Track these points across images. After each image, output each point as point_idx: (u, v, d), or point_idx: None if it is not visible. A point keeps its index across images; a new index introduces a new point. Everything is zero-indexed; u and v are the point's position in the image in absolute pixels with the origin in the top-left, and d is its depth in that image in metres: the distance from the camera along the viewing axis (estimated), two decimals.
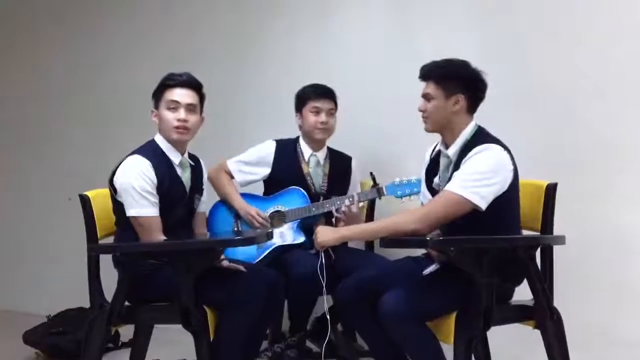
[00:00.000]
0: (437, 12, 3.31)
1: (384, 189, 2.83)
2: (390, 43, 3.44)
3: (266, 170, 3.07)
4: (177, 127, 2.52)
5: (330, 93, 3.06)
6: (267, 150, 3.08)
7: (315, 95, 3.03)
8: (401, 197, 2.80)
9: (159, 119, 2.56)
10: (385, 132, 3.39)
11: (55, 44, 4.54)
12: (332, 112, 3.05)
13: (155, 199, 2.46)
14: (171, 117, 2.52)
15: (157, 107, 2.57)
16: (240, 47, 3.90)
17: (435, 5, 3.32)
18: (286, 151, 3.08)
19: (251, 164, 3.08)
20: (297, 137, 3.12)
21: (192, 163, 2.65)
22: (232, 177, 3.09)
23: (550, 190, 2.40)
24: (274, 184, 3.05)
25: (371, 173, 2.86)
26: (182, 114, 2.52)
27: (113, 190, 2.48)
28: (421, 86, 2.41)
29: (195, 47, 4.02)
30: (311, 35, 3.69)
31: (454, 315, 2.22)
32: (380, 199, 2.88)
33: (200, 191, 2.70)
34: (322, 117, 3.02)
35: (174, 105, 2.53)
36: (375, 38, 3.50)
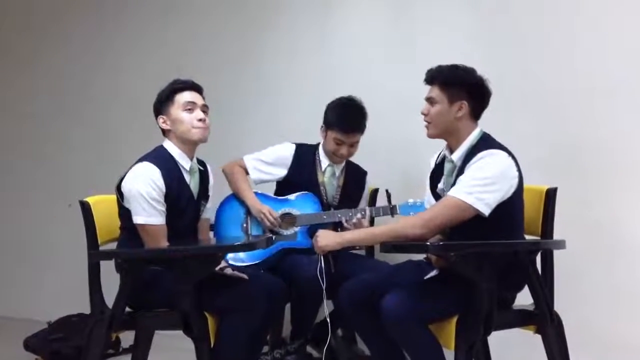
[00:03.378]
0: (438, 12, 3.31)
1: (397, 208, 2.82)
2: (391, 44, 3.45)
3: (282, 172, 3.05)
4: (198, 127, 2.53)
5: (359, 126, 2.96)
6: (286, 152, 3.07)
7: (342, 129, 2.93)
8: None
9: (172, 124, 2.54)
10: (386, 131, 3.38)
11: (56, 46, 4.55)
12: (354, 144, 3.00)
13: (162, 207, 2.46)
14: (191, 118, 2.52)
15: (166, 112, 2.55)
16: (241, 49, 3.91)
17: (437, 6, 3.32)
18: (304, 157, 3.06)
19: (269, 163, 3.06)
20: (317, 144, 3.10)
21: (200, 168, 2.65)
22: (247, 173, 3.07)
23: (550, 195, 2.40)
24: (287, 186, 3.04)
25: (387, 191, 2.85)
26: (200, 114, 2.54)
27: (120, 196, 2.48)
28: (423, 86, 2.41)
29: (196, 48, 4.03)
30: (312, 37, 3.70)
31: (454, 320, 2.22)
32: (392, 217, 2.86)
33: (206, 197, 2.70)
34: (343, 150, 2.98)
35: (191, 106, 2.53)
36: (376, 39, 3.51)
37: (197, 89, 2.59)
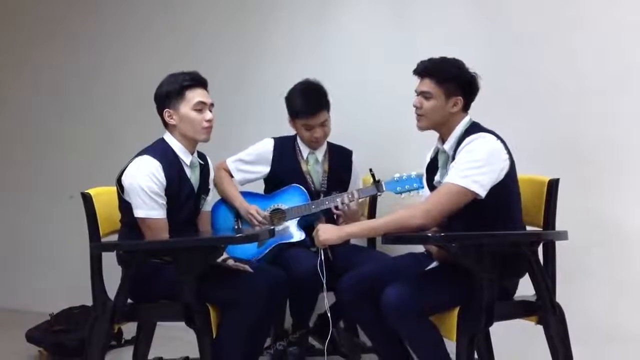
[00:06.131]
0: (436, 9, 3.30)
1: (383, 185, 2.79)
2: (389, 41, 3.44)
3: (265, 169, 3.05)
4: (206, 128, 2.52)
5: (321, 105, 2.94)
6: (265, 148, 3.06)
7: (306, 113, 2.92)
8: (400, 193, 2.76)
9: (179, 120, 2.51)
10: (385, 128, 3.38)
11: (56, 45, 4.55)
12: (325, 123, 2.98)
13: (163, 201, 2.45)
14: (200, 118, 2.50)
15: (174, 108, 2.52)
16: (241, 47, 3.91)
17: (435, 5, 3.31)
18: (285, 149, 3.05)
19: (250, 162, 3.06)
20: (295, 135, 3.09)
21: (201, 162, 2.64)
22: (232, 175, 3.07)
23: (552, 186, 2.39)
24: (274, 182, 3.04)
25: (370, 170, 2.84)
26: (209, 114, 2.53)
27: (120, 189, 2.48)
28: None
29: (196, 46, 4.02)
30: (311, 34, 3.69)
31: (456, 311, 2.22)
32: (379, 194, 2.86)
33: (207, 191, 2.69)
34: (316, 132, 2.96)
35: (201, 107, 2.51)
36: (374, 36, 3.50)
37: (205, 85, 2.57)
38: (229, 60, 3.92)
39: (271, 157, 3.04)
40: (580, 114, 2.91)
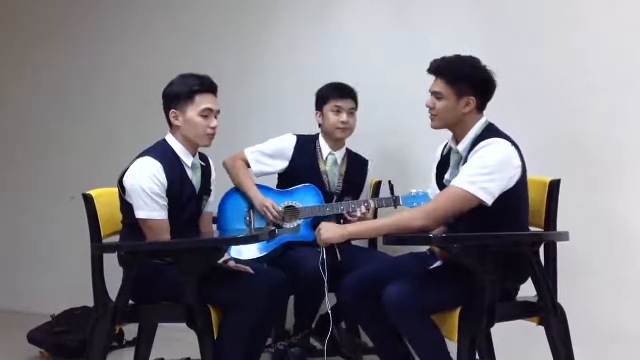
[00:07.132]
0: (437, 9, 3.30)
1: (400, 199, 2.83)
2: (390, 41, 3.45)
3: (284, 164, 3.06)
4: (210, 135, 2.53)
5: (352, 92, 3.05)
6: (287, 143, 3.08)
7: (337, 95, 3.02)
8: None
9: (184, 123, 2.51)
10: (387, 128, 3.39)
11: (56, 45, 4.55)
12: (352, 112, 3.04)
13: (164, 202, 2.45)
14: (205, 125, 2.50)
15: (181, 110, 2.51)
16: (241, 47, 3.90)
17: (437, 4, 3.31)
18: (305, 147, 3.07)
19: (270, 155, 3.07)
20: (317, 135, 3.12)
21: (202, 164, 2.64)
22: (248, 166, 3.08)
23: (554, 187, 2.39)
24: (290, 178, 3.05)
25: (390, 182, 2.87)
26: (215, 122, 2.53)
27: (122, 190, 2.48)
28: (423, 82, 2.40)
29: (196, 46, 4.02)
30: (313, 34, 3.69)
31: (457, 312, 2.22)
32: (395, 208, 2.87)
33: (208, 192, 2.69)
34: (344, 116, 3.01)
35: (208, 114, 2.51)
36: (375, 36, 3.50)
37: (215, 91, 2.57)
38: (229, 61, 3.91)
39: (291, 153, 3.06)
40: (584, 113, 2.91)
